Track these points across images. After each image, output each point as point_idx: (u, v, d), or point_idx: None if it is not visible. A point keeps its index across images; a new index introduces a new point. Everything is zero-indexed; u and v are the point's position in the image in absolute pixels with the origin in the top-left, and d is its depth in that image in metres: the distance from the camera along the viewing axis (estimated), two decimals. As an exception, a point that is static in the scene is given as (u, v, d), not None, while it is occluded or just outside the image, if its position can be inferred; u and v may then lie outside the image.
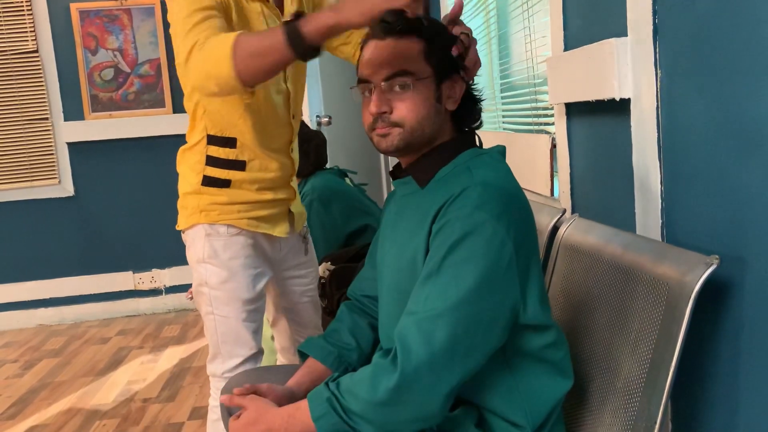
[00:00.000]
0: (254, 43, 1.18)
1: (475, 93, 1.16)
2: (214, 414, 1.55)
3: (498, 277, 0.98)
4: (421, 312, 0.98)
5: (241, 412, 1.12)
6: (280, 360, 1.86)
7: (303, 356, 1.31)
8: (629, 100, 1.25)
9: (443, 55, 1.10)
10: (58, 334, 3.81)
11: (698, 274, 0.95)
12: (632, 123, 1.25)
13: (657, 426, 0.96)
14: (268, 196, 1.58)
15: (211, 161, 1.53)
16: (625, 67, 1.23)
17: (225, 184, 1.53)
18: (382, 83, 1.08)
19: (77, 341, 3.64)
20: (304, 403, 1.04)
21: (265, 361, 1.82)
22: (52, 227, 3.96)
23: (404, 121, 1.08)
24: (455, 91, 1.12)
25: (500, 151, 1.14)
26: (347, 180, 2.56)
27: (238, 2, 1.42)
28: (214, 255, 1.53)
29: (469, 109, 1.15)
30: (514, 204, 1.03)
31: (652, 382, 1.00)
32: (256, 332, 1.58)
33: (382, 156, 4.42)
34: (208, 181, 1.53)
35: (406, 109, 1.08)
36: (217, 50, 1.19)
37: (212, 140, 1.52)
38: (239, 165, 1.53)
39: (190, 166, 1.56)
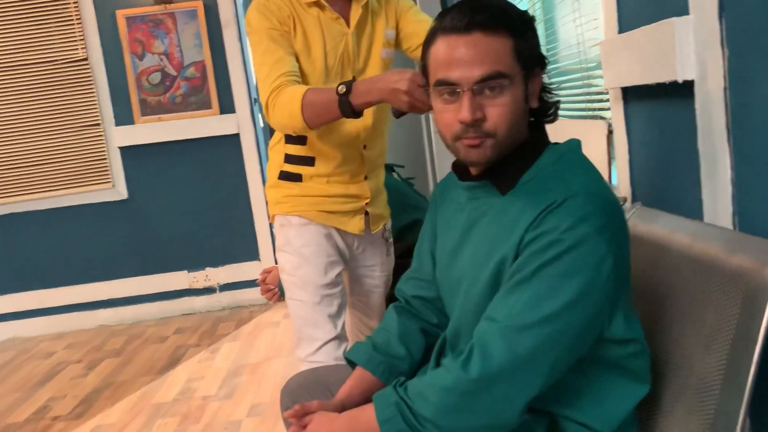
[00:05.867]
0: (317, 104, 1.44)
1: (548, 84, 1.09)
2: None
3: (594, 293, 0.93)
4: (506, 321, 0.94)
5: (307, 422, 1.11)
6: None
7: (351, 363, 1.26)
8: (692, 82, 1.19)
9: (531, 51, 1.03)
10: (118, 334, 3.91)
11: (779, 265, 0.89)
12: (697, 106, 1.18)
13: (738, 427, 0.91)
14: (339, 190, 1.67)
15: (288, 158, 1.69)
16: (688, 47, 1.17)
17: (297, 178, 1.67)
18: (474, 86, 0.98)
19: (136, 341, 3.73)
20: (369, 406, 1.02)
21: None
22: (108, 230, 4.06)
23: (497, 130, 1.00)
24: (536, 86, 1.05)
25: (577, 146, 1.08)
26: (395, 174, 2.53)
27: (297, 13, 1.56)
28: (288, 243, 1.67)
29: (547, 102, 1.08)
30: (615, 215, 0.98)
31: (731, 380, 0.94)
32: (334, 317, 1.65)
33: (427, 150, 4.37)
34: (284, 176, 1.69)
35: (499, 116, 0.99)
36: (290, 106, 1.46)
37: (288, 139, 1.67)
38: (309, 161, 1.66)
39: (273, 162, 1.73)
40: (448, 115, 1.02)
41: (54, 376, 3.31)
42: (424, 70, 1.08)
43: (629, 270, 1.02)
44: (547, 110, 1.09)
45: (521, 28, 1.02)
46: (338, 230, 1.69)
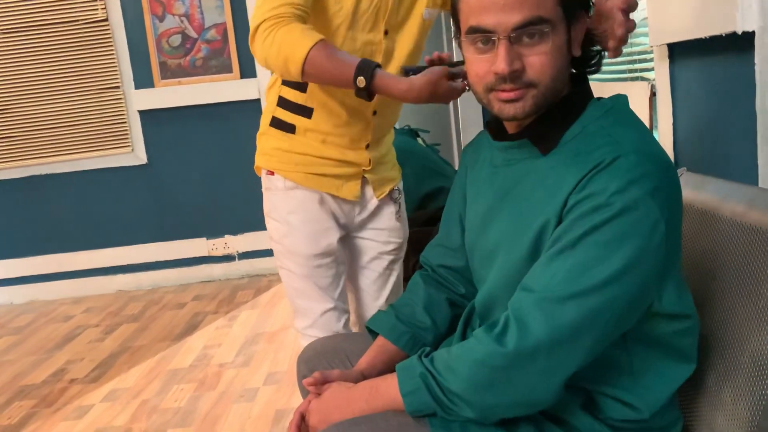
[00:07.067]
0: (326, 70, 1.24)
1: (592, 29, 0.98)
2: None
3: (644, 262, 0.85)
4: (546, 291, 0.86)
5: (324, 390, 1.05)
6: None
7: (372, 332, 1.20)
8: (753, 33, 1.08)
9: None
10: (136, 299, 3.90)
11: None
12: (757, 60, 1.08)
13: (799, 411, 0.83)
14: (334, 153, 1.48)
15: (282, 102, 1.48)
16: (750, -6, 1.06)
17: (290, 128, 1.48)
18: (511, 33, 0.89)
19: (154, 306, 3.71)
20: (390, 376, 0.95)
21: None
22: (127, 195, 4.02)
23: (539, 80, 0.91)
24: (579, 32, 0.95)
25: (625, 102, 0.98)
26: (419, 140, 2.44)
27: None
28: (274, 209, 1.52)
29: (590, 50, 0.98)
30: (669, 177, 0.88)
31: (791, 359, 0.86)
32: (328, 288, 1.52)
33: (452, 114, 4.27)
34: (276, 123, 1.49)
35: (541, 64, 0.90)
36: (291, 49, 1.23)
37: (287, 80, 1.44)
38: (306, 111, 1.46)
39: (267, 106, 1.53)
40: (480, 66, 0.93)
41: (72, 339, 3.31)
42: (455, 16, 0.98)
43: (680, 238, 0.93)
44: (590, 59, 0.99)
45: None
46: (332, 195, 1.51)
